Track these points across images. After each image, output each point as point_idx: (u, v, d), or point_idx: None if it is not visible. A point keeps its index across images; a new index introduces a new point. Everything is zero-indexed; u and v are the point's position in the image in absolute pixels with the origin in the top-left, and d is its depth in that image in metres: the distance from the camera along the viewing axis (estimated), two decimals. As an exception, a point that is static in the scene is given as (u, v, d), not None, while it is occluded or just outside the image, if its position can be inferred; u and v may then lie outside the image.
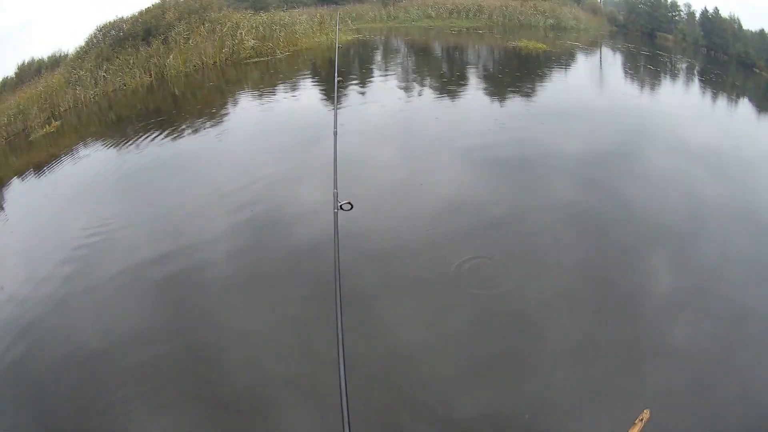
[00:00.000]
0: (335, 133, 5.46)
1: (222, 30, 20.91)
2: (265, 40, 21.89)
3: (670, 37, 67.12)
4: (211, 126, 12.68)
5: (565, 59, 25.14)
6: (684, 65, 35.58)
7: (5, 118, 16.08)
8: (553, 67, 21.81)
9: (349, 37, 26.80)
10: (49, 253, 7.84)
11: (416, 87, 15.88)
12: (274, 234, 7.52)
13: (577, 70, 22.89)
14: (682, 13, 77.37)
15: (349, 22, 31.84)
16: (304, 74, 18.65)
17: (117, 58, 18.67)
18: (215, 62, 20.24)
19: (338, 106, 11.80)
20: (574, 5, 55.45)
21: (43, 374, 5.43)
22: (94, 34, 20.21)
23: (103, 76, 18.02)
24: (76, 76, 18.14)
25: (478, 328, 5.62)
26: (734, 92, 27.83)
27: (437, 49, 27.90)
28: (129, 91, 17.74)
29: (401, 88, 15.52)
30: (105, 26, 20.27)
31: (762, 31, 70.00)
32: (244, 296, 6.28)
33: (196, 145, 11.66)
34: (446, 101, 14.12)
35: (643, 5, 72.46)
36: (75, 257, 7.60)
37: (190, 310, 6.15)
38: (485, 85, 16.37)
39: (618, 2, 77.38)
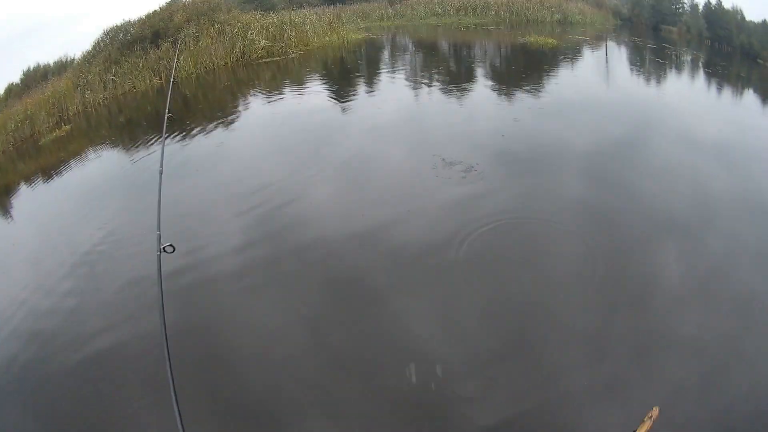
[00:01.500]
0: (160, 173, 5.57)
1: (232, 31, 20.83)
2: (276, 40, 21.81)
3: (674, 29, 67.33)
4: (222, 128, 12.53)
5: (573, 54, 25.06)
6: (689, 57, 35.89)
7: (12, 124, 16.32)
8: (562, 62, 21.71)
9: (360, 36, 26.81)
10: (59, 259, 7.80)
11: (425, 85, 15.65)
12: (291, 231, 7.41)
13: (586, 65, 22.68)
14: (685, 5, 77.12)
15: (359, 21, 32.17)
16: (317, 75, 18.41)
17: (126, 61, 18.61)
18: (226, 63, 20.12)
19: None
20: (579, 0, 55.58)
21: (51, 378, 5.52)
22: (101, 38, 20.21)
23: (112, 79, 18.10)
24: (84, 80, 18.07)
25: (495, 307, 5.73)
26: (740, 83, 27.91)
27: (446, 47, 27.72)
28: (139, 94, 17.62)
29: (410, 87, 15.41)
30: (112, 29, 20.29)
31: (765, 21, 69.63)
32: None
33: (204, 147, 11.45)
34: (456, 99, 13.89)
35: None
36: (84, 262, 7.57)
37: (204, 314, 6.04)
38: (496, 82, 16.20)
39: None
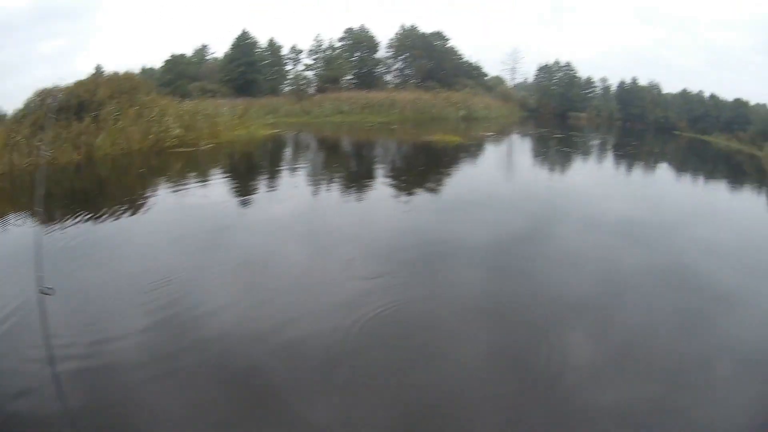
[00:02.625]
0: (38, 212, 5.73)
1: (149, 115, 21.65)
2: (189, 129, 22.88)
3: (582, 115, 73.20)
4: (129, 216, 12.10)
5: (476, 150, 27.11)
6: (597, 142, 39.51)
7: None
8: (464, 159, 23.98)
9: (268, 132, 28.08)
10: None
11: (326, 184, 16.55)
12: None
13: (488, 160, 25.01)
14: (597, 89, 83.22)
15: (268, 116, 33.76)
16: (224, 169, 19.12)
17: (53, 128, 18.21)
18: (140, 148, 20.66)
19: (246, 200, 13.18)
20: (485, 94, 60.13)
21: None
22: (33, 98, 19.95)
23: (37, 146, 17.10)
24: (14, 140, 17.67)
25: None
26: (651, 159, 31.39)
27: (350, 145, 28.99)
28: (59, 167, 17.18)
29: (312, 186, 16.22)
30: (43, 92, 20.17)
31: (684, 91, 75.61)
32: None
33: (112, 233, 11.03)
34: (355, 198, 14.51)
35: (557, 86, 78.18)
36: None
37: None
38: (396, 181, 17.24)
39: (529, 87, 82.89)
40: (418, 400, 5.49)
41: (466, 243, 10.47)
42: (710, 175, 27.59)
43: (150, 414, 5.23)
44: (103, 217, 11.96)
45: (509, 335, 6.95)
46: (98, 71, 26.02)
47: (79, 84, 21.14)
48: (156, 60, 70.25)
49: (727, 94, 79.18)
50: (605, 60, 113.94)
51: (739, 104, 65.68)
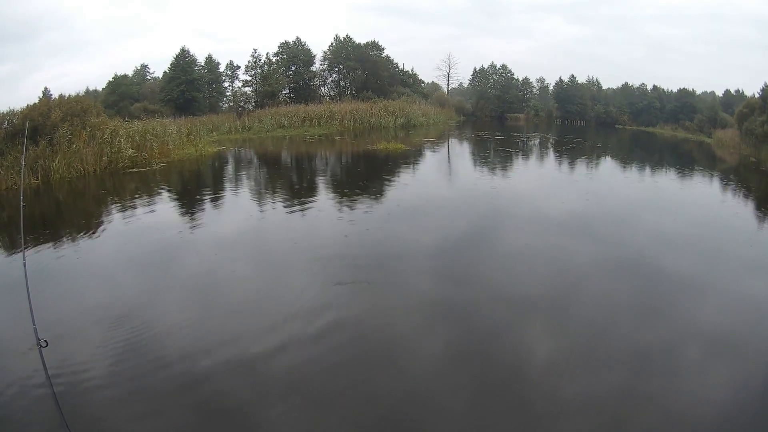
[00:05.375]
0: (24, 265, 5.58)
1: (102, 137, 22.10)
2: (140, 150, 23.47)
3: (521, 116, 75.50)
4: (85, 241, 12.00)
5: (416, 156, 27.43)
6: (537, 141, 40.46)
7: None
8: (405, 165, 24.05)
9: (213, 149, 28.73)
10: None
11: (270, 200, 16.40)
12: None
13: (429, 166, 25.23)
14: (535, 89, 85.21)
15: (211, 133, 34.50)
16: (177, 188, 19.14)
17: (9, 154, 18.63)
18: (95, 170, 21.09)
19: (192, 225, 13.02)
20: (422, 101, 61.56)
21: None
22: None
23: None
24: None
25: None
26: (594, 154, 32.37)
27: (292, 159, 29.00)
28: (18, 192, 16.18)
29: (257, 202, 16.23)
30: None
31: (625, 84, 77.75)
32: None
33: (72, 255, 10.90)
34: (298, 213, 14.19)
35: (493, 89, 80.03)
36: None
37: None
38: (334, 191, 17.38)
39: (465, 91, 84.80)
40: (381, 406, 5.55)
41: (415, 249, 10.58)
42: (657, 165, 28.49)
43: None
44: (63, 240, 12.09)
45: (468, 336, 7.00)
46: (46, 94, 26.28)
47: (33, 108, 21.37)
48: (99, 81, 69.91)
49: (672, 86, 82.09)
50: (540, 60, 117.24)
51: (685, 94, 68.38)
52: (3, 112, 20.68)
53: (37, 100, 23.27)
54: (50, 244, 11.64)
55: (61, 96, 24.44)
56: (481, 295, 8.28)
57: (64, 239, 12.14)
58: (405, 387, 5.85)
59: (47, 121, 20.72)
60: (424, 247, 10.79)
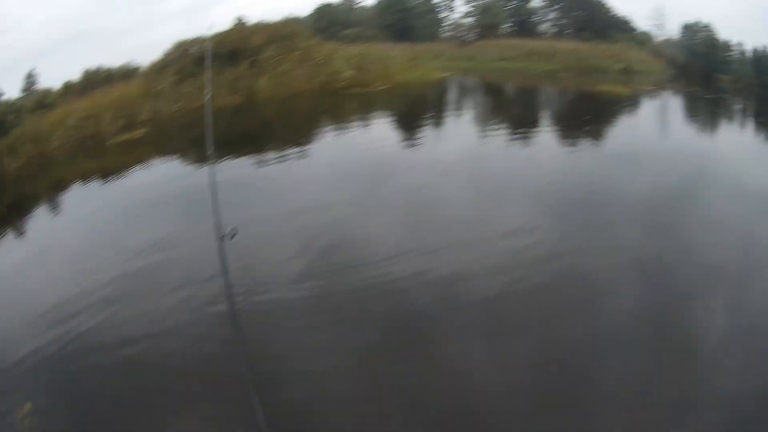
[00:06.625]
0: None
1: (316, 59, 20.84)
2: (360, 71, 21.70)
3: (726, 78, 67.00)
4: (298, 156, 12.26)
5: (636, 102, 25.32)
6: (740, 107, 34.76)
7: (73, 121, 16.70)
8: (626, 109, 22.33)
9: (438, 75, 26.87)
10: (101, 266, 7.85)
11: (490, 129, 15.55)
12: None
13: (649, 113, 23.18)
14: (734, 53, 76.53)
15: (435, 61, 31.93)
16: (401, 110, 18.70)
17: (201, 75, 17.55)
18: (309, 90, 19.93)
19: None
20: (639, 49, 55.19)
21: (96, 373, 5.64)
22: (172, 50, 20.17)
23: (187, 92, 17.74)
24: (156, 89, 18.18)
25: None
26: None
27: (513, 92, 29.11)
28: (215, 109, 16.89)
29: (475, 129, 15.64)
30: (184, 43, 20.26)
31: None
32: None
33: (274, 175, 11.20)
34: (518, 144, 13.48)
35: (700, 47, 71.72)
36: (133, 266, 7.63)
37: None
38: (556, 127, 16.30)
39: (675, 44, 77.36)
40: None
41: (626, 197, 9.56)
42: None
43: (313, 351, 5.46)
44: (271, 156, 12.38)
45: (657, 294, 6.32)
46: (240, 22, 24.79)
47: (228, 33, 20.92)
48: (298, 10, 70.38)
49: None
50: (740, 23, 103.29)
51: None
52: (188, 40, 20.47)
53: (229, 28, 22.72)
54: (249, 156, 12.25)
55: (259, 22, 23.30)
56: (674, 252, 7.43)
57: (265, 153, 12.55)
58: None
59: (247, 45, 20.10)
60: (629, 194, 9.67)
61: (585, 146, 13.86)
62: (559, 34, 56.70)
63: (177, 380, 5.36)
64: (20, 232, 10.54)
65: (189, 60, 19.12)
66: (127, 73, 21.07)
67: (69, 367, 5.80)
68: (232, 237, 4.26)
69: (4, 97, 18.48)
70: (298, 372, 5.22)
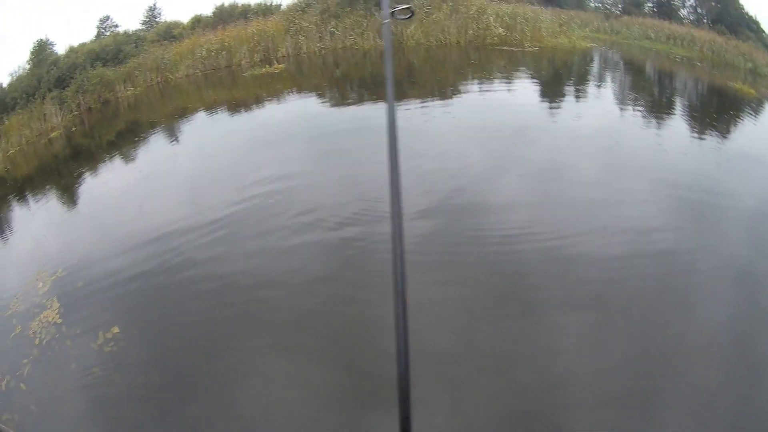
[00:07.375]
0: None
1: (467, 12, 20.17)
2: (510, 30, 21.26)
3: None
4: (442, 107, 11.96)
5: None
6: None
7: (204, 52, 17.16)
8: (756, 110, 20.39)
9: (586, 44, 25.97)
10: (213, 197, 7.99)
11: (629, 106, 15.03)
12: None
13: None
14: None
15: (582, 29, 30.19)
16: (549, 72, 18.45)
17: (347, 17, 18.32)
18: (459, 42, 19.46)
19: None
20: (765, 52, 51.72)
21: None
22: None
23: (331, 31, 17.97)
24: (298, 26, 18.09)
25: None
26: None
27: (654, 72, 27.30)
28: (360, 51, 17.42)
29: (614, 103, 15.10)
30: None
31: None
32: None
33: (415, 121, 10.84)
34: (654, 124, 13.01)
35: None
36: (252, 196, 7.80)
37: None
38: (688, 117, 15.54)
39: None
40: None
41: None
42: None
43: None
44: (414, 104, 11.91)
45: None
46: None
47: None
48: None
49: None
50: None
51: None
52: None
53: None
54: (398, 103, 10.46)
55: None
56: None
57: (409, 100, 12.13)
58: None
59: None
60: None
61: (725, 144, 12.72)
62: (697, 22, 53.93)
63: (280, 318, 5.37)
64: (132, 159, 10.95)
65: (334, 1, 19.06)
66: (265, 10, 20.83)
67: (166, 295, 5.88)
68: None
69: (122, 29, 18.60)
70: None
